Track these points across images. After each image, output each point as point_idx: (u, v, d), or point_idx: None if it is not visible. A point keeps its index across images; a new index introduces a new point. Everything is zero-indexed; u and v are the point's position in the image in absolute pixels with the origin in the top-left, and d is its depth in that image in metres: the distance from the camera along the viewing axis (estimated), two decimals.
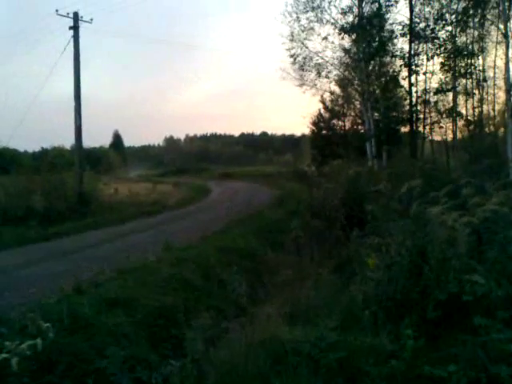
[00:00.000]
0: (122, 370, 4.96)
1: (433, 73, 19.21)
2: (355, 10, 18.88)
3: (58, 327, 5.36)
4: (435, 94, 18.29)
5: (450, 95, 19.95)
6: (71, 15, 18.81)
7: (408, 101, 18.79)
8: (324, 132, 35.79)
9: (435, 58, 18.69)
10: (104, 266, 8.92)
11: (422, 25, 17.85)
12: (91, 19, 19.33)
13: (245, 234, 11.94)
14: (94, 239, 12.48)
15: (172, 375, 4.38)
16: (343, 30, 18.66)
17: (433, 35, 17.62)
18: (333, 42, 19.64)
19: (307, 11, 19.20)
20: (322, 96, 28.56)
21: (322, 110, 34.88)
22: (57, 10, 18.54)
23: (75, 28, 18.78)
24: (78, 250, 11.01)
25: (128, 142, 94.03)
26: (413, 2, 17.98)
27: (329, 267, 7.06)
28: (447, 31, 18.65)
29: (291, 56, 20.14)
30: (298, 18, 19.44)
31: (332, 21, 19.02)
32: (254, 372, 4.19)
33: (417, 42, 18.42)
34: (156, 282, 7.60)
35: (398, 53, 18.17)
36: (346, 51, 20.36)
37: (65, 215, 16.36)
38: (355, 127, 31.08)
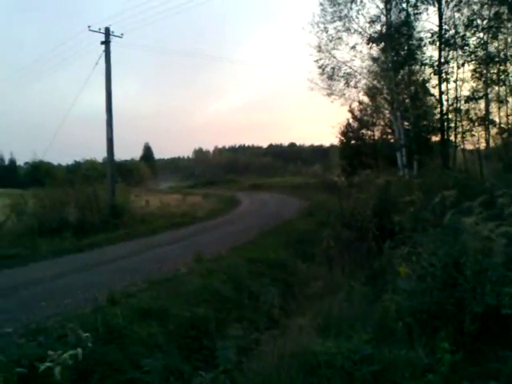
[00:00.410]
0: (155, 380, 5.00)
1: (464, 80, 18.91)
2: (383, 18, 18.82)
3: (93, 337, 5.47)
4: (466, 101, 17.97)
5: (482, 103, 19.58)
6: (103, 30, 19.34)
7: (438, 109, 18.49)
8: (353, 142, 35.56)
9: (466, 65, 18.38)
10: (136, 277, 9.06)
11: (452, 32, 17.58)
12: (122, 34, 19.85)
13: (275, 245, 11.92)
14: (126, 250, 12.67)
15: None
16: (371, 39, 18.57)
17: (463, 42, 17.33)
18: (361, 52, 19.58)
19: (335, 21, 19.21)
20: (350, 106, 28.40)
21: (351, 120, 34.70)
22: (89, 26, 19.10)
23: (107, 43, 19.27)
24: (111, 260, 11.19)
25: (158, 154, 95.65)
26: (442, 9, 17.72)
27: (361, 278, 6.97)
28: (478, 38, 18.33)
29: (319, 67, 20.15)
30: (325, 27, 19.44)
31: (360, 30, 18.99)
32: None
33: (447, 50, 18.16)
34: (187, 293, 7.64)
35: (427, 61, 17.95)
36: (375, 60, 20.24)
37: (98, 227, 16.67)
38: (385, 137, 30.75)
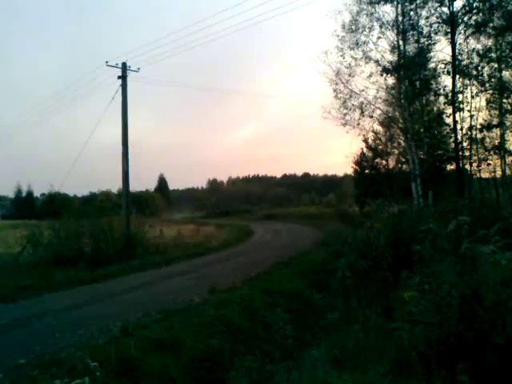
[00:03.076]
0: None
1: (479, 110, 18.92)
2: (399, 48, 19.02)
3: (106, 368, 5.42)
4: (481, 130, 17.92)
5: (498, 131, 19.49)
6: (120, 65, 19.86)
7: (453, 138, 18.43)
8: (367, 171, 35.57)
9: (480, 94, 18.41)
10: (150, 308, 9.03)
11: (466, 61, 17.66)
12: (138, 68, 20.39)
13: (289, 276, 11.81)
14: (140, 281, 12.65)
15: None
16: (385, 70, 18.73)
17: (477, 72, 17.38)
18: (377, 81, 19.68)
19: (352, 48, 19.40)
20: (364, 135, 28.51)
21: (365, 150, 34.81)
22: (107, 62, 19.69)
23: (123, 77, 19.76)
24: (125, 291, 11.17)
25: (173, 185, 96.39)
26: (455, 40, 17.86)
27: (377, 309, 6.86)
28: (491, 67, 18.39)
29: (334, 90, 20.23)
30: (343, 54, 19.59)
31: (377, 58, 19.14)
32: None
33: (461, 80, 18.25)
34: (201, 324, 7.57)
35: (441, 91, 17.99)
36: (389, 90, 20.37)
37: (112, 257, 16.72)
38: (399, 166, 30.69)
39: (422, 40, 18.01)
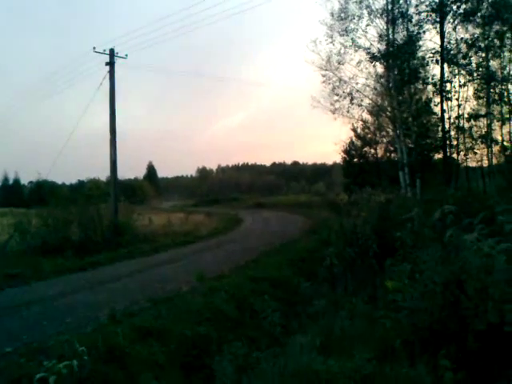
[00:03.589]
0: None
1: (466, 99, 19.02)
2: (389, 36, 18.99)
3: (94, 356, 5.45)
4: (468, 120, 18.05)
5: (485, 121, 19.63)
6: (107, 52, 19.60)
7: (441, 127, 18.55)
8: (356, 160, 35.67)
9: (468, 84, 18.50)
10: (138, 296, 9.06)
11: (454, 51, 17.71)
12: (126, 55, 20.03)
13: (278, 264, 11.89)
14: (128, 269, 12.66)
15: None
16: (374, 57, 18.72)
17: (465, 61, 17.46)
18: (366, 68, 19.66)
19: (342, 35, 19.36)
20: (352, 124, 28.54)
21: (354, 138, 34.86)
22: (94, 48, 19.35)
23: (111, 64, 19.48)
24: (113, 279, 11.18)
25: (161, 173, 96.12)
26: (444, 28, 17.88)
27: (363, 297, 6.95)
28: (480, 56, 18.48)
29: (323, 76, 20.18)
30: (332, 41, 19.51)
31: (366, 46, 19.11)
32: None
33: (449, 69, 18.30)
34: (189, 312, 7.61)
35: (429, 80, 18.06)
36: (378, 78, 20.38)
37: (100, 245, 16.68)
38: (388, 155, 30.82)
39: (412, 28, 18.05)
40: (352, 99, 19.76)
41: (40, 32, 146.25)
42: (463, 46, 17.50)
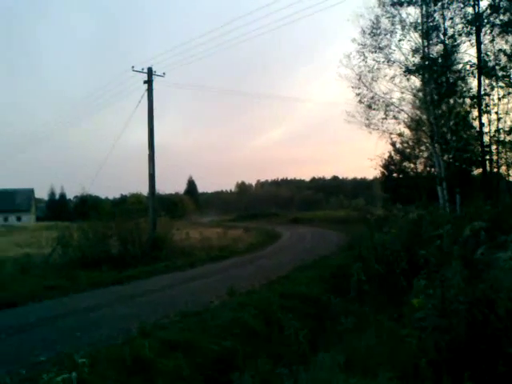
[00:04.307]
0: None
1: (506, 112, 18.42)
2: (422, 51, 18.76)
3: (120, 368, 5.60)
4: (509, 133, 17.49)
5: None
6: (146, 70, 20.27)
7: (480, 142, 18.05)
8: (395, 175, 35.10)
9: (508, 96, 17.93)
10: (170, 310, 9.20)
11: (492, 63, 17.27)
12: (164, 73, 20.80)
13: (309, 280, 11.81)
14: (163, 283, 12.89)
15: None
16: (409, 71, 18.50)
17: (503, 73, 16.98)
18: (400, 82, 19.45)
19: (375, 51, 19.27)
20: (391, 138, 28.12)
21: (393, 153, 34.33)
22: (132, 67, 20.16)
23: (149, 82, 20.16)
24: (147, 293, 11.41)
25: (201, 188, 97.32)
26: (481, 40, 17.50)
27: (390, 314, 6.82)
28: None
29: (357, 94, 20.10)
30: (364, 58, 19.43)
31: (400, 61, 18.94)
32: None
33: (487, 81, 17.84)
34: (217, 326, 7.67)
35: (466, 93, 17.66)
36: (415, 92, 20.12)
37: (138, 259, 17.07)
38: (428, 169, 30.16)
39: (447, 41, 17.73)
40: (387, 113, 19.56)
41: (82, 50, 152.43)
42: (502, 58, 17.02)
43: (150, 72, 20.19)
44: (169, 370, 5.78)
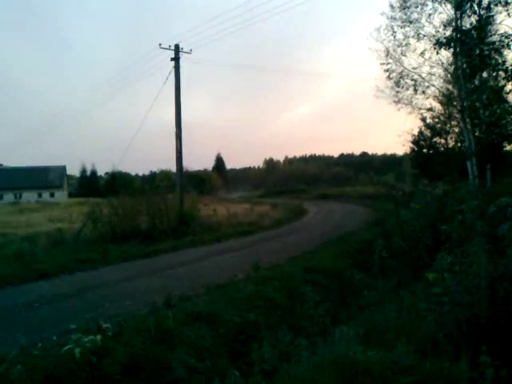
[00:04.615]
0: (201, 381, 5.22)
1: None
2: (454, 23, 18.13)
3: (145, 337, 5.80)
4: None
5: None
6: (173, 48, 20.24)
7: None
8: (425, 151, 34.36)
9: None
10: (195, 282, 9.42)
11: None
12: (191, 50, 20.65)
13: (333, 255, 11.87)
14: (190, 257, 13.15)
15: None
16: (440, 44, 17.93)
17: None
18: (430, 57, 18.90)
19: (404, 26, 18.74)
20: (421, 114, 27.47)
21: (423, 128, 33.53)
22: (160, 44, 20.06)
23: (176, 59, 20.14)
24: (174, 266, 11.68)
25: (230, 164, 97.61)
26: None
27: (412, 289, 6.82)
28: None
29: (386, 71, 19.67)
30: (394, 32, 18.94)
31: (430, 35, 18.37)
32: None
33: None
34: (241, 299, 7.83)
35: (500, 66, 17.00)
36: (446, 66, 19.53)
37: (166, 234, 17.40)
38: (459, 145, 29.42)
39: (481, 12, 17.04)
40: (416, 88, 19.09)
41: (111, 30, 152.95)
42: None
43: (176, 49, 20.14)
44: (191, 340, 5.96)
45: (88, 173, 79.61)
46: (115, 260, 12.70)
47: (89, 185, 72.89)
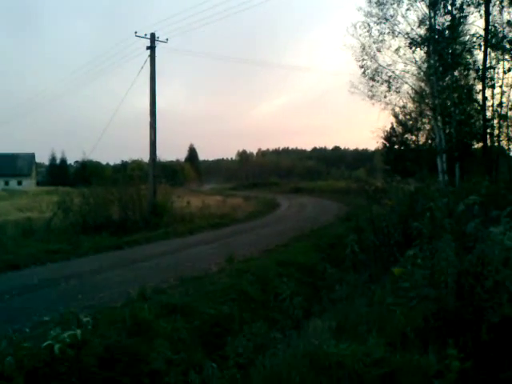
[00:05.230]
0: (176, 373, 5.28)
1: (511, 86, 18.26)
2: (428, 22, 18.48)
3: (120, 329, 5.82)
4: (511, 108, 17.41)
5: None
6: (148, 36, 19.98)
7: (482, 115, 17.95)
8: (396, 147, 35.00)
9: None
10: (169, 275, 9.45)
11: (499, 35, 17.02)
12: (167, 39, 20.44)
13: (306, 249, 12.06)
14: (163, 249, 13.13)
15: (213, 377, 4.61)
16: (413, 42, 18.28)
17: (510, 46, 16.77)
18: (404, 54, 19.23)
19: (380, 22, 19.00)
20: (394, 110, 27.93)
21: (395, 124, 34.14)
22: (135, 32, 19.77)
23: (152, 48, 19.90)
24: (147, 258, 11.64)
25: (203, 155, 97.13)
26: (490, 11, 17.18)
27: (383, 284, 7.02)
28: None
29: (361, 67, 19.92)
30: (369, 29, 19.17)
31: (405, 32, 18.68)
32: (297, 381, 4.32)
33: (493, 54, 17.64)
34: (215, 292, 7.91)
35: (471, 66, 17.46)
36: (419, 64, 19.91)
37: (138, 225, 17.28)
38: (430, 142, 30.08)
39: (454, 12, 17.43)
40: (389, 85, 19.41)
41: (85, 15, 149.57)
42: (509, 30, 16.78)
43: (152, 38, 19.89)
44: (167, 332, 6.01)
45: (58, 161, 77.98)
46: (87, 251, 12.55)
47: (58, 173, 71.37)
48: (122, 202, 18.33)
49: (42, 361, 4.45)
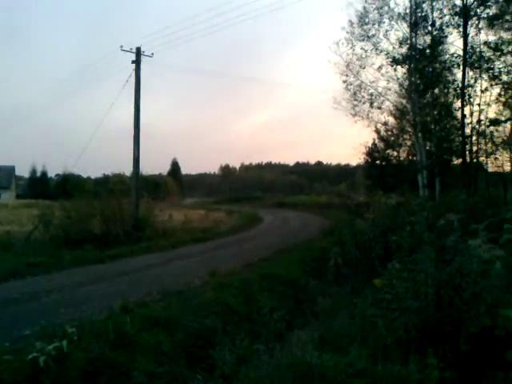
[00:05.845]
0: None
1: (488, 104, 18.78)
2: (409, 41, 18.99)
3: (103, 342, 5.79)
4: (489, 125, 17.85)
5: (509, 125, 19.30)
6: (134, 50, 20.05)
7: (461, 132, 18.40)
8: (378, 162, 35.48)
9: (490, 89, 18.28)
10: (152, 288, 9.39)
11: (477, 55, 17.55)
12: (152, 53, 20.50)
13: (289, 263, 12.12)
14: (146, 263, 13.06)
15: None
16: (395, 61, 18.74)
17: (488, 66, 17.30)
18: (387, 72, 19.69)
19: (362, 40, 19.48)
20: (376, 126, 28.42)
21: (377, 140, 34.66)
22: (121, 46, 19.80)
23: (137, 62, 19.95)
24: (130, 272, 11.58)
25: (185, 170, 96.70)
26: (467, 32, 17.72)
27: (365, 296, 7.11)
28: (504, 62, 18.22)
29: (344, 82, 20.32)
30: (352, 46, 19.64)
31: (387, 51, 19.16)
32: None
33: (472, 73, 18.14)
34: (198, 305, 7.90)
35: (451, 84, 17.95)
36: (401, 82, 20.38)
37: (121, 239, 17.13)
38: (410, 158, 30.58)
39: (434, 32, 17.96)
40: (372, 102, 19.82)
41: (72, 29, 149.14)
42: (487, 50, 17.33)
43: (138, 52, 19.94)
44: (150, 344, 6.00)
45: (38, 174, 76.88)
46: (69, 265, 12.41)
47: (38, 186, 70.23)
48: (103, 215, 18.16)
49: (24, 374, 4.42)
